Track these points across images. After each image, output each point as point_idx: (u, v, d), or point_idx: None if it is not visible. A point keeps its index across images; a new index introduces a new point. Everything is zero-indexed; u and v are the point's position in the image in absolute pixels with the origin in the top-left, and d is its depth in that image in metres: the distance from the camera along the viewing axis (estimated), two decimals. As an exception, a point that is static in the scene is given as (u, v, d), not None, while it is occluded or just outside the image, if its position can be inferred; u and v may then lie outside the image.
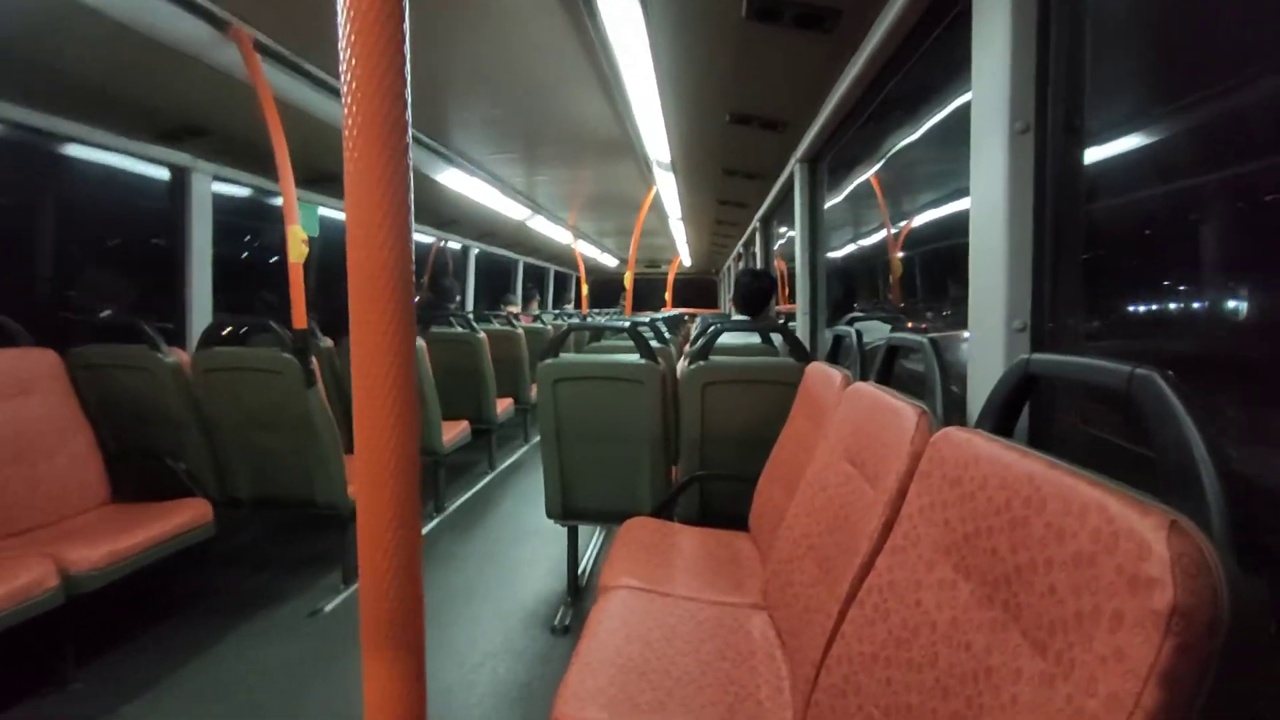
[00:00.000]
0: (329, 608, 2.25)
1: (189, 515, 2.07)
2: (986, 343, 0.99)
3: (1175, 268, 0.95)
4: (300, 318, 2.17)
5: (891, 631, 0.83)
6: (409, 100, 0.50)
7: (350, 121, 0.48)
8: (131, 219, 3.11)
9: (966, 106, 1.05)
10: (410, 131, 0.51)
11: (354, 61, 0.47)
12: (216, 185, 2.87)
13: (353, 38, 0.47)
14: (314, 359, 2.26)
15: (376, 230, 0.49)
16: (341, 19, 0.47)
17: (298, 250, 2.11)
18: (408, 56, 0.50)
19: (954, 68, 1.69)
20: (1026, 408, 0.89)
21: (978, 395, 1.03)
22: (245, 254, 4.15)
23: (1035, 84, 0.91)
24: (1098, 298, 0.97)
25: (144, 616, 2.14)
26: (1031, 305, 0.93)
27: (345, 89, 0.48)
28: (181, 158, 2.67)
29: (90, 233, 3.06)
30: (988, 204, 0.97)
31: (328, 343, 3.17)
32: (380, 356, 0.49)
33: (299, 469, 2.31)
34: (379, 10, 0.47)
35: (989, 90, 0.97)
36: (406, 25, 0.50)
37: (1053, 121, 0.91)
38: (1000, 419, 0.85)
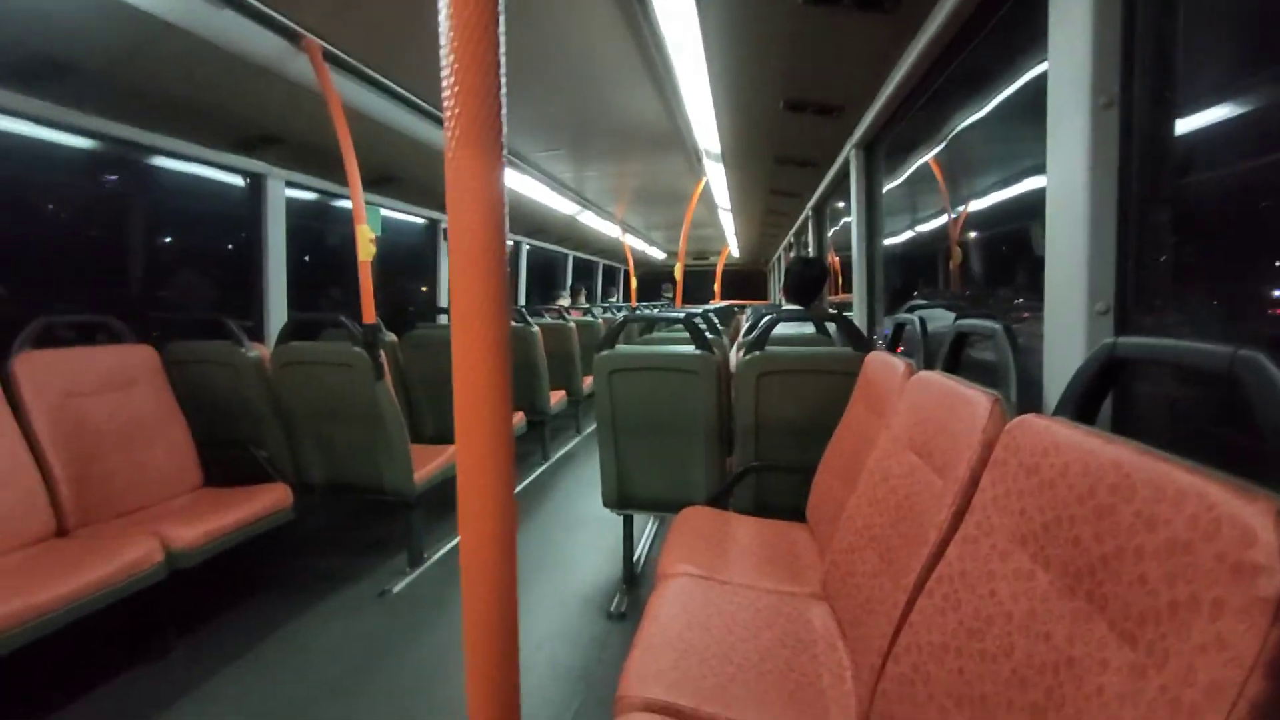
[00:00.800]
0: (397, 589, 2.36)
1: (271, 499, 2.22)
2: (1065, 327, 0.96)
3: (1269, 253, 0.89)
4: (369, 313, 2.28)
5: (963, 622, 0.82)
6: (504, 119, 0.54)
7: (451, 136, 0.52)
8: (214, 223, 3.34)
9: (1035, 83, 1.00)
10: (505, 142, 0.55)
11: (456, 76, 0.51)
12: (290, 191, 3.05)
13: (455, 53, 0.50)
14: (381, 352, 2.37)
15: (476, 235, 0.53)
16: (444, 41, 0.51)
17: (366, 249, 2.22)
18: (502, 76, 0.53)
19: (1023, 41, 1.61)
20: (1110, 396, 0.85)
21: (1054, 382, 1.00)
22: (311, 255, 4.38)
23: (1120, 54, 0.86)
24: (1191, 281, 0.92)
25: (232, 593, 2.31)
26: (1115, 287, 0.88)
27: (448, 106, 0.52)
28: (258, 165, 2.84)
29: (178, 237, 3.29)
30: (1068, 182, 0.93)
31: (392, 337, 3.31)
32: (479, 344, 0.53)
33: (368, 457, 2.44)
34: (478, 31, 0.50)
35: (1069, 63, 0.93)
36: (503, 51, 0.53)
37: (1140, 94, 0.86)
38: (1082, 406, 0.82)
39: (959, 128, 2.69)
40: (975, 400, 1.00)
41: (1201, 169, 0.93)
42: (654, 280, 11.28)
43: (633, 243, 7.80)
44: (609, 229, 6.56)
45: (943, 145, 2.98)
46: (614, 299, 10.41)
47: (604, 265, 9.83)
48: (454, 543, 2.73)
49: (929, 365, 1.45)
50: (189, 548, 1.84)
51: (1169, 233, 0.88)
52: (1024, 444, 0.81)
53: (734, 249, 9.24)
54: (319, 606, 2.23)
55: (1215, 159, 0.96)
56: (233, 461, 2.44)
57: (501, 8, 0.52)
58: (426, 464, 2.56)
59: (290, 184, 3.06)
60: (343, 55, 2.13)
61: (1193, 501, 0.52)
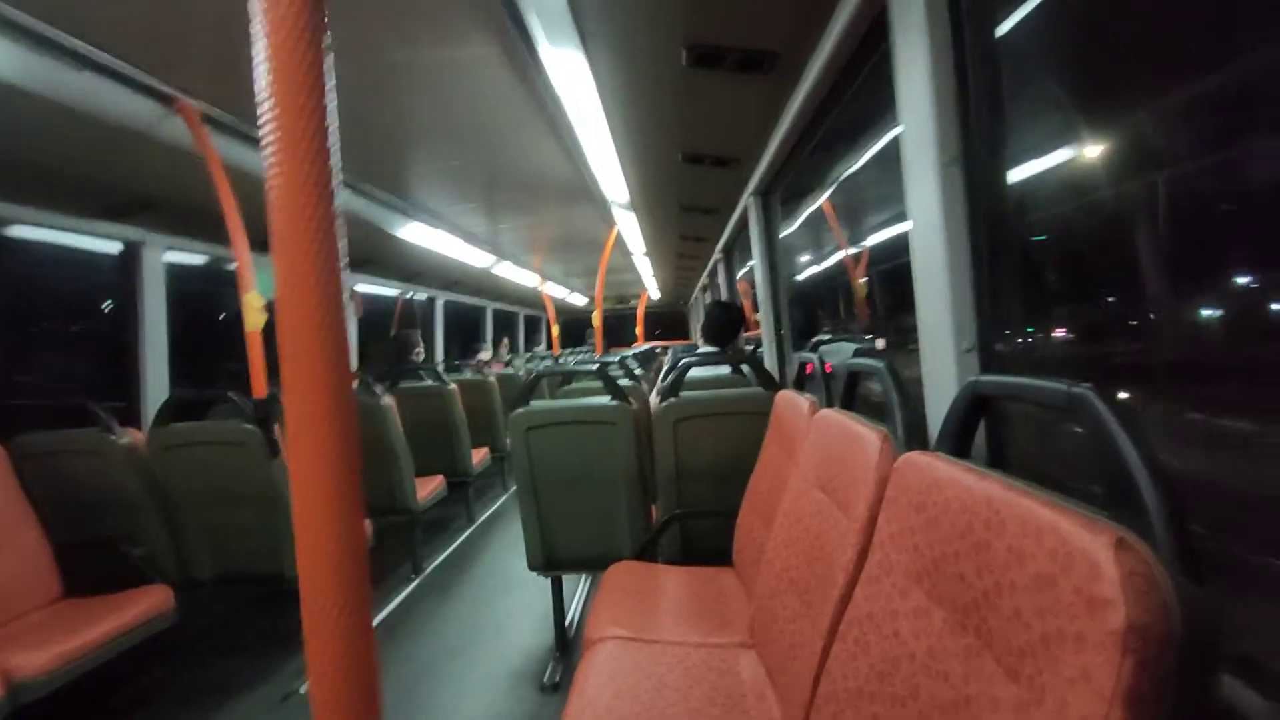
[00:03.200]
0: (304, 688, 2.13)
1: (147, 604, 1.97)
2: (938, 365, 1.02)
3: (1104, 277, 0.99)
4: (260, 386, 2.12)
5: (873, 665, 0.82)
6: (335, 152, 0.49)
7: (274, 176, 0.47)
8: (78, 296, 3.03)
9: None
10: (338, 182, 0.50)
11: (276, 114, 0.46)
12: (175, 255, 2.83)
13: (274, 86, 0.46)
14: (277, 427, 2.20)
15: (305, 282, 0.47)
16: (260, 74, 0.47)
17: (254, 318, 2.08)
18: (331, 102, 0.49)
19: (890, 98, 1.77)
20: (983, 425, 0.90)
21: (936, 416, 1.05)
22: (207, 322, 4.07)
23: (958, 118, 0.96)
24: (1039, 313, 1.01)
25: (106, 717, 2.00)
26: (976, 326, 0.95)
27: (267, 142, 0.47)
28: (134, 232, 2.63)
29: (37, 316, 2.96)
30: (926, 232, 1.01)
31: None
32: (314, 421, 0.48)
33: (265, 543, 2.22)
34: (301, 61, 0.47)
35: (916, 126, 1.02)
36: (330, 77, 0.49)
37: (978, 151, 0.96)
38: (957, 440, 0.86)
39: (845, 174, 2.91)
40: (867, 437, 1.03)
41: (1037, 213, 1.03)
42: (578, 327, 11.29)
43: (554, 291, 7.80)
44: (528, 278, 6.54)
45: (833, 189, 3.20)
46: (539, 348, 10.31)
47: (526, 315, 9.75)
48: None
49: (830, 402, 1.50)
50: (36, 676, 1.57)
51: (1017, 273, 0.97)
52: (911, 481, 0.84)
53: (653, 291, 9.44)
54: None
55: (1048, 202, 1.07)
56: (102, 564, 2.14)
57: (329, 38, 0.49)
58: None
59: (174, 249, 2.85)
60: (222, 116, 2.03)
61: (1050, 535, 0.55)
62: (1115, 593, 0.45)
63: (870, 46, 1.40)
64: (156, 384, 2.66)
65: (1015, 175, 0.97)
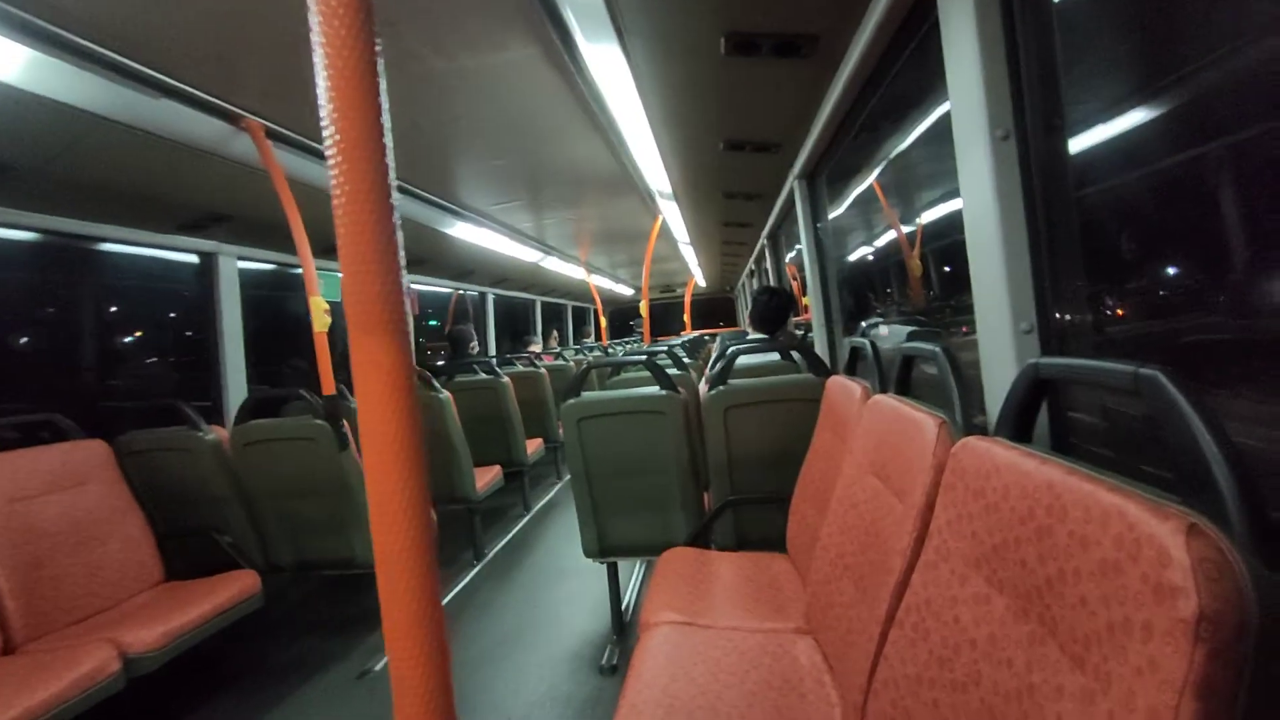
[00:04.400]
0: (378, 666, 2.27)
1: (238, 587, 2.13)
2: (996, 347, 0.99)
3: (1172, 252, 0.93)
4: (328, 384, 2.24)
5: (933, 651, 0.82)
6: (391, 162, 0.52)
7: (338, 186, 0.50)
8: (166, 305, 3.28)
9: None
10: (395, 185, 0.54)
11: (338, 130, 0.50)
12: (244, 264, 3.02)
13: (334, 106, 0.50)
14: (345, 422, 2.33)
15: (369, 286, 0.51)
16: (322, 95, 0.50)
17: (321, 319, 2.19)
18: (385, 117, 0.52)
19: (937, 74, 1.71)
20: (1045, 408, 0.88)
21: (994, 400, 1.02)
22: (276, 325, 4.32)
23: (1010, 91, 0.92)
24: (1103, 291, 0.96)
25: (202, 692, 2.18)
26: (1035, 306, 0.92)
27: (330, 154, 0.50)
28: (208, 244, 2.82)
29: (128, 324, 3.22)
30: (980, 210, 0.98)
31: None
32: (384, 412, 0.51)
33: (337, 531, 2.36)
34: (357, 80, 0.50)
35: (966, 101, 0.99)
36: (383, 93, 0.52)
37: (1032, 125, 0.92)
38: (1017, 424, 0.84)
39: (895, 152, 2.81)
40: (923, 423, 1.02)
41: (1099, 186, 0.98)
42: (625, 316, 11.35)
43: (600, 282, 7.87)
44: (575, 271, 6.62)
45: (881, 169, 3.10)
46: (588, 339, 10.44)
47: (574, 306, 9.88)
48: None
49: (884, 387, 1.47)
50: (148, 651, 1.74)
51: (1079, 249, 0.92)
52: (969, 467, 0.82)
53: (700, 279, 9.38)
54: (295, 696, 2.12)
55: (1110, 174, 1.02)
56: (197, 551, 2.34)
57: (380, 55, 0.51)
58: None
59: (245, 259, 3.04)
60: (284, 131, 2.15)
61: (1116, 521, 0.53)
62: (1186, 580, 0.44)
63: (915, 23, 1.35)
64: (236, 384, 2.85)
65: (1074, 147, 0.92)
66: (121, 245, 2.62)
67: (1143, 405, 0.59)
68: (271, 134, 2.12)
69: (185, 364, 3.37)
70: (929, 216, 3.02)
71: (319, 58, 0.51)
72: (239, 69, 1.74)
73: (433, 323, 7.20)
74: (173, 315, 3.37)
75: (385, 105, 0.53)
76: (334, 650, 2.42)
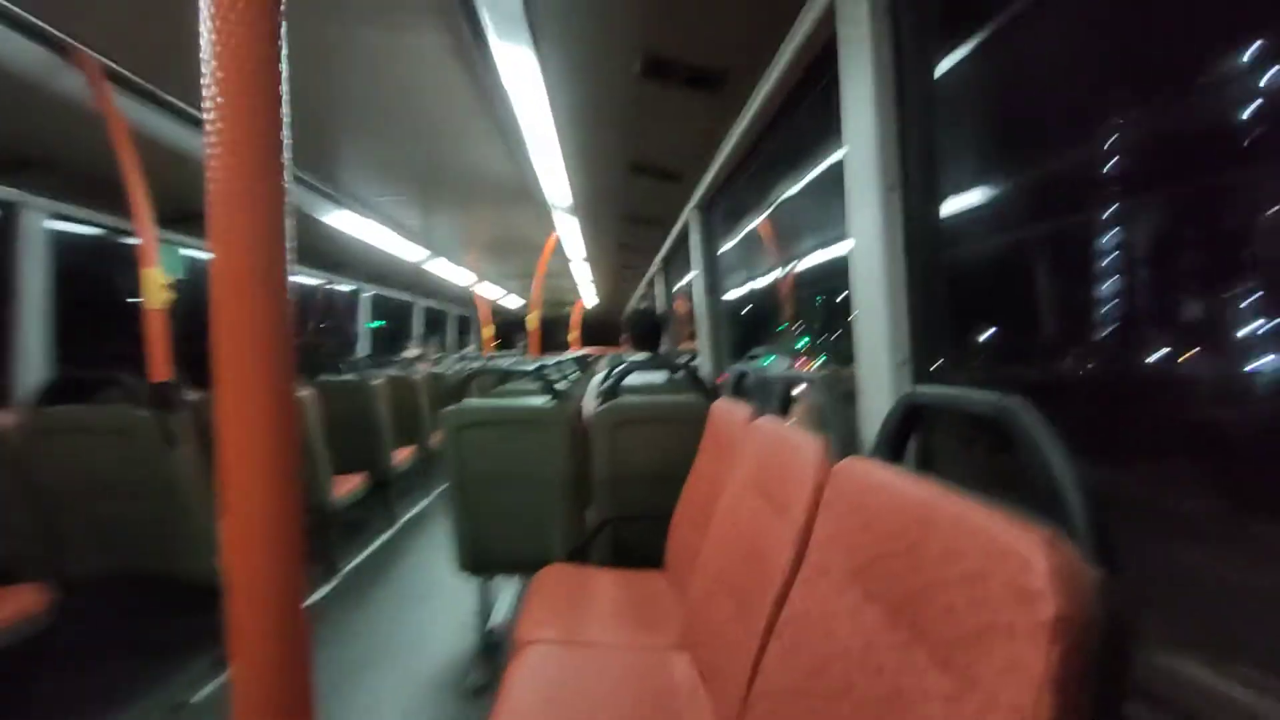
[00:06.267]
0: (197, 698, 1.95)
1: (13, 606, 1.73)
2: (874, 377, 1.08)
3: (1020, 300, 1.09)
4: (160, 368, 1.93)
5: (808, 662, 0.85)
6: (286, 126, 0.46)
7: (216, 155, 0.44)
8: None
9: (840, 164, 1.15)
10: (289, 162, 0.47)
11: (221, 80, 0.43)
12: (69, 227, 2.53)
13: (219, 53, 0.43)
14: (176, 417, 2.01)
15: (246, 269, 0.44)
16: (206, 39, 0.43)
17: (155, 295, 1.90)
18: (284, 85, 0.46)
19: (832, 126, 1.87)
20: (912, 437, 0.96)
21: (869, 425, 1.11)
22: (92, 300, 3.66)
23: (899, 147, 1.02)
24: (964, 330, 1.09)
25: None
26: (910, 341, 1.02)
27: (210, 116, 0.43)
28: (9, 193, 2.33)
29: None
30: (867, 252, 1.07)
31: (196, 396, 2.84)
32: (253, 409, 0.44)
33: (158, 538, 2.02)
34: (252, 35, 0.44)
35: (860, 153, 1.08)
36: (284, 59, 0.46)
37: (915, 180, 1.03)
38: (892, 447, 0.91)
39: (783, 196, 3.03)
40: (805, 445, 1.07)
41: (962, 241, 1.12)
42: (509, 329, 11.08)
43: (490, 291, 7.62)
44: (462, 276, 6.35)
45: (771, 209, 3.33)
46: (469, 348, 10.02)
47: (457, 314, 9.46)
48: None
49: (764, 412, 1.55)
50: None
51: (947, 292, 1.04)
52: (848, 486, 0.88)
53: (591, 297, 9.42)
54: None
55: (970, 234, 1.16)
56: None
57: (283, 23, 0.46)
58: None
59: (61, 217, 2.55)
60: (130, 75, 1.85)
61: (983, 535, 0.59)
62: (1045, 585, 0.49)
63: (816, 75, 1.47)
64: (33, 362, 2.36)
65: (949, 205, 1.05)
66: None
67: (1005, 432, 0.67)
68: (113, 75, 1.82)
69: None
70: (812, 260, 3.29)
71: (205, 2, 0.44)
72: None
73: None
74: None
75: (285, 73, 0.46)
76: (145, 678, 2.04)
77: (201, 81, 0.44)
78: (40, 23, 1.55)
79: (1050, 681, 0.47)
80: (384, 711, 1.90)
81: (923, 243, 1.03)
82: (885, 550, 0.75)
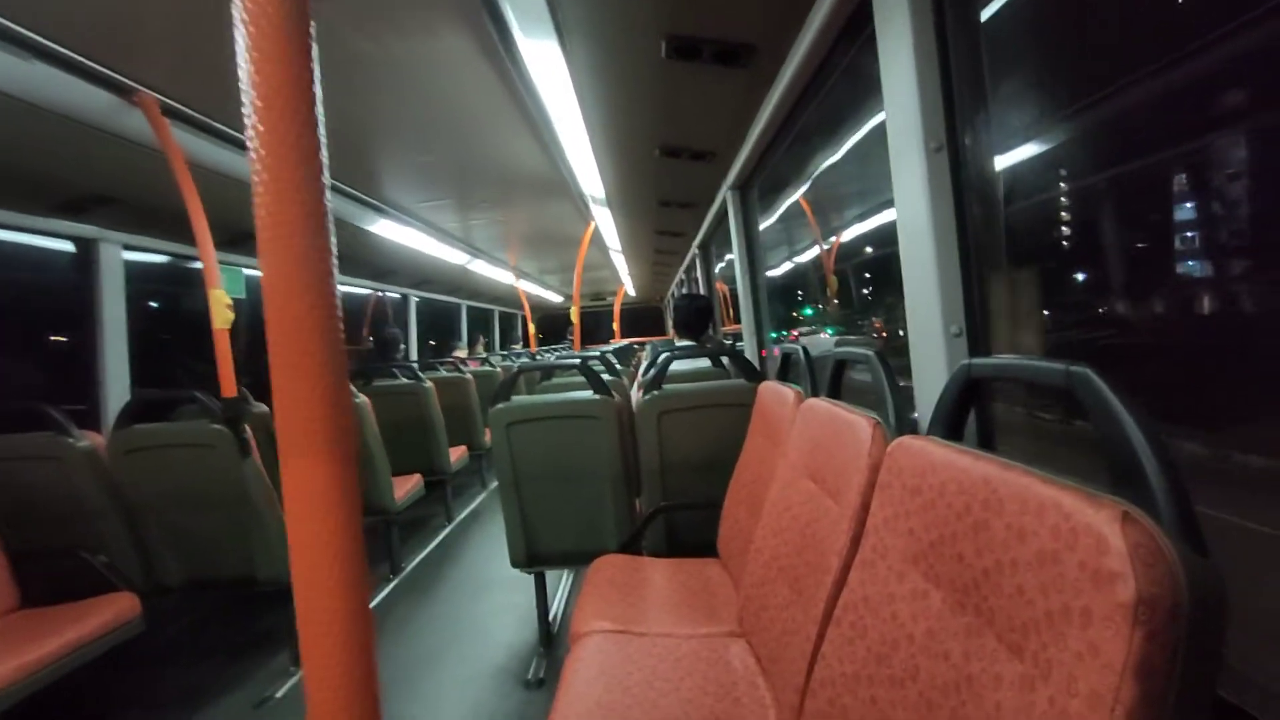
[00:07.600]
0: (279, 693, 2.07)
1: (113, 612, 1.89)
2: (927, 350, 1.03)
3: (1087, 261, 1.01)
4: (229, 385, 2.04)
5: (871, 648, 0.82)
6: (323, 146, 0.47)
7: (260, 179, 0.45)
8: (32, 297, 2.89)
9: (883, 126, 1.10)
10: (328, 180, 0.49)
11: (260, 109, 0.44)
12: (136, 255, 2.71)
13: (257, 83, 0.44)
14: (247, 427, 2.13)
15: (295, 284, 0.46)
16: (244, 69, 0.45)
17: (222, 315, 2.00)
18: (319, 106, 0.47)
19: (870, 90, 1.79)
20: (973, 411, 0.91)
21: (925, 401, 1.06)
22: (172, 322, 3.91)
23: (943, 105, 0.96)
24: (1022, 298, 1.02)
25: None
26: (965, 310, 0.96)
27: (253, 144, 0.45)
28: (87, 229, 2.51)
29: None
30: (913, 219, 1.02)
31: (262, 408, 3.00)
32: (309, 418, 0.46)
33: (236, 546, 2.15)
34: (286, 62, 0.45)
35: (902, 114, 1.02)
36: (317, 81, 0.47)
37: (963, 138, 0.96)
38: (949, 424, 0.87)
39: (823, 167, 2.93)
40: (857, 424, 1.04)
41: (1019, 200, 1.05)
42: (554, 324, 11.22)
43: (528, 288, 7.73)
44: (503, 276, 6.46)
45: (811, 183, 3.23)
46: (516, 346, 10.21)
47: (502, 312, 9.65)
48: None
49: (815, 392, 1.51)
50: (-4, 690, 1.50)
51: (1004, 257, 0.98)
52: (905, 465, 0.84)
53: (630, 288, 9.42)
54: None
55: (1029, 191, 1.09)
56: (63, 572, 2.05)
57: (313, 34, 0.46)
58: None
59: (133, 248, 2.73)
60: (184, 109, 1.95)
61: (1052, 512, 0.55)
62: (1123, 565, 0.46)
63: (850, 38, 1.40)
64: (117, 385, 2.55)
65: (1001, 161, 0.98)
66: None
67: (1074, 402, 0.62)
68: (169, 111, 1.92)
69: (55, 364, 2.99)
70: (858, 229, 3.18)
71: (238, 15, 0.45)
72: (132, 35, 1.55)
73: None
74: (40, 310, 2.97)
75: (319, 94, 0.47)
76: (230, 676, 2.19)
77: (242, 111, 0.46)
78: (102, 68, 1.65)
79: (1132, 669, 0.44)
80: (448, 703, 1.97)
81: (974, 205, 0.97)
82: (948, 532, 0.72)
